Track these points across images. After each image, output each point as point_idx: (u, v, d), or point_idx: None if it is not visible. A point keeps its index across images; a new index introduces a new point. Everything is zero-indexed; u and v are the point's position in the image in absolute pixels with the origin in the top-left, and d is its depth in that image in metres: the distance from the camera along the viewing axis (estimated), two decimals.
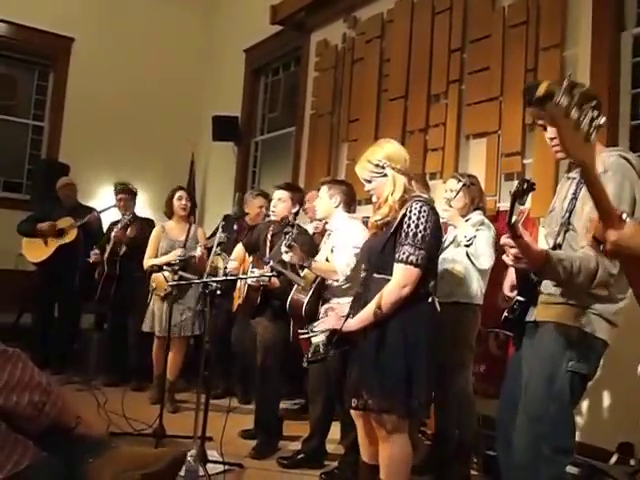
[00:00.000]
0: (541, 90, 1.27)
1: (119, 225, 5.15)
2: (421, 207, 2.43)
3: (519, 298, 2.08)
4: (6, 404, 1.60)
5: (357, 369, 2.52)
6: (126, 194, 5.42)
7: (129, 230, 5.11)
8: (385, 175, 2.53)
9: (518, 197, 1.71)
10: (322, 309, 2.82)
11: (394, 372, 2.41)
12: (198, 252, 4.42)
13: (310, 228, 4.31)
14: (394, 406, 2.42)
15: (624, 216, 1.39)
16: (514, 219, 1.71)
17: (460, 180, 3.48)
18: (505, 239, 1.79)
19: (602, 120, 1.26)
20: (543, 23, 4.03)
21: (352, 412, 2.69)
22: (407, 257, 2.38)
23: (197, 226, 4.94)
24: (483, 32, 4.45)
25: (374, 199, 2.62)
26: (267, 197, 4.68)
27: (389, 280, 2.44)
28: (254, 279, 3.73)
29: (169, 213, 4.76)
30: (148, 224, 5.17)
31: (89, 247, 5.35)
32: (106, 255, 5.19)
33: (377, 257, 2.51)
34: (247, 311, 3.97)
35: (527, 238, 1.78)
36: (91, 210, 5.63)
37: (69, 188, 5.67)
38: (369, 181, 2.58)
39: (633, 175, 1.97)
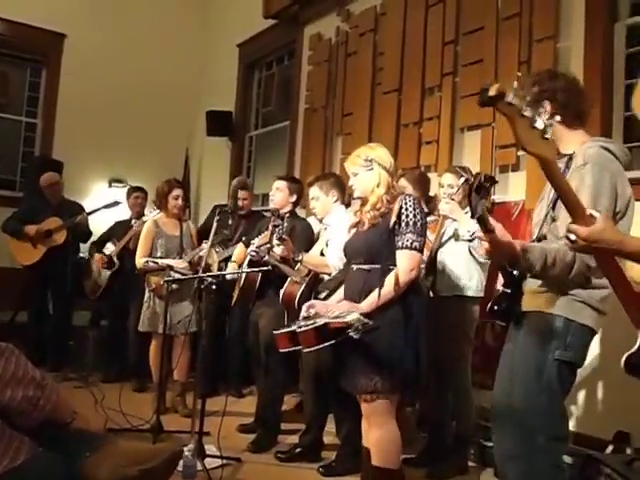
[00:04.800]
0: (492, 90, 1.30)
1: (139, 222, 4.91)
2: (414, 200, 2.66)
3: (505, 290, 2.08)
4: (0, 399, 1.60)
5: (364, 353, 2.55)
6: (142, 192, 5.50)
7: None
8: (371, 169, 2.70)
9: (474, 191, 1.70)
10: (304, 307, 2.83)
11: (405, 354, 2.53)
12: (204, 251, 4.08)
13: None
14: (403, 387, 2.57)
15: (594, 213, 1.40)
16: (479, 213, 1.71)
17: (462, 175, 3.47)
18: (477, 233, 1.80)
19: (557, 118, 1.27)
20: (536, 15, 4.03)
21: (360, 397, 2.65)
22: (411, 243, 2.56)
23: (188, 222, 4.73)
24: (476, 24, 4.44)
25: (356, 193, 2.79)
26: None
27: (388, 269, 2.56)
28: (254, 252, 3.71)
29: (161, 207, 4.51)
30: None
31: (77, 245, 5.46)
32: (117, 250, 5.19)
33: (377, 249, 2.61)
34: (247, 296, 3.94)
35: (499, 232, 1.79)
36: (78, 206, 5.66)
37: (54, 188, 5.57)
38: (355, 175, 2.75)
39: (614, 166, 1.95)
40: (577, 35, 3.82)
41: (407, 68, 4.98)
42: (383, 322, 2.50)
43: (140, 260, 4.34)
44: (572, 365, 2.04)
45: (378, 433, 2.58)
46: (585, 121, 2.13)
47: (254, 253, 3.67)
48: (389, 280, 2.53)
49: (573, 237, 1.44)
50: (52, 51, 7.23)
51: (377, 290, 2.53)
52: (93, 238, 5.68)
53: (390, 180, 2.71)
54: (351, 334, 2.38)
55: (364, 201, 2.76)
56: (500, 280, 2.30)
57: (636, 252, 1.49)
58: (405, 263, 2.55)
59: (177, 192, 4.47)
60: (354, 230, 2.84)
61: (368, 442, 2.67)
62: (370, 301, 2.54)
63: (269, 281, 3.78)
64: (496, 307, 2.10)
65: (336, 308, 2.63)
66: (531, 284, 2.06)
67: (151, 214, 4.76)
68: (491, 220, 1.76)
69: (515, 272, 2.05)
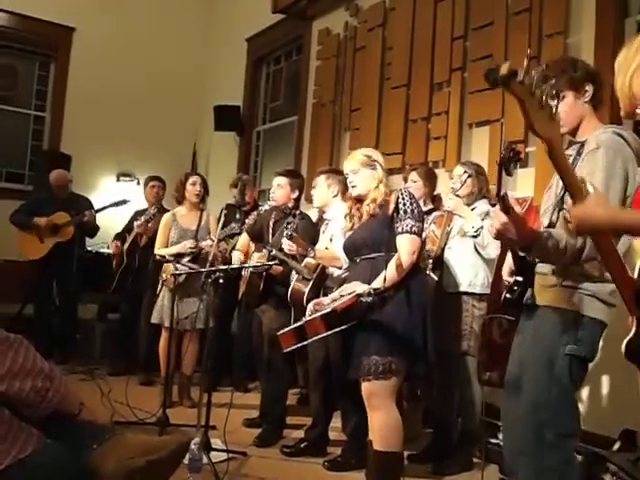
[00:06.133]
0: (504, 69, 1.28)
1: (142, 218, 4.95)
2: (410, 193, 2.84)
3: (517, 278, 2.08)
4: (9, 390, 1.60)
5: (375, 334, 2.62)
6: (159, 182, 5.42)
7: (152, 224, 4.94)
8: (375, 168, 2.87)
9: (504, 165, 1.71)
10: (309, 306, 2.89)
11: (414, 333, 2.65)
12: (208, 242, 4.21)
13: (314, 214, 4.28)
14: (413, 364, 2.66)
15: (589, 188, 1.40)
16: (503, 191, 1.72)
17: (466, 171, 3.47)
18: (497, 210, 1.79)
19: (565, 98, 1.27)
20: (546, 10, 4.01)
21: (364, 379, 2.67)
22: (411, 228, 2.72)
23: (208, 214, 4.67)
24: (486, 19, 4.42)
25: (356, 191, 2.90)
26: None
27: (391, 256, 2.69)
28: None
29: (180, 199, 4.53)
30: None
31: (82, 239, 5.50)
32: (126, 246, 5.18)
33: (381, 237, 2.75)
34: (251, 298, 3.97)
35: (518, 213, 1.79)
36: (85, 200, 5.69)
37: (61, 188, 5.56)
38: (356, 172, 2.88)
39: (627, 151, 1.96)
40: (587, 31, 3.80)
41: (416, 63, 4.97)
42: (391, 303, 2.60)
43: (157, 251, 4.39)
44: (583, 360, 2.04)
45: (379, 417, 2.65)
46: (600, 109, 2.16)
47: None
48: (392, 264, 2.66)
49: (569, 217, 1.44)
50: (61, 45, 7.26)
51: (384, 272, 2.63)
52: (107, 230, 5.66)
53: (387, 181, 2.90)
54: (363, 299, 2.47)
55: (362, 199, 2.89)
56: (504, 272, 2.30)
57: (630, 225, 1.46)
58: (407, 246, 2.70)
59: (194, 179, 4.50)
60: (350, 233, 2.95)
61: (371, 430, 2.71)
62: (379, 280, 2.64)
63: (273, 285, 3.78)
64: (509, 295, 2.10)
65: (344, 290, 2.71)
66: (541, 276, 2.06)
67: (150, 211, 4.85)
68: (511, 201, 1.78)
69: (528, 258, 2.05)
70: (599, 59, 3.69)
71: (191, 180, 4.48)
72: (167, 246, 4.39)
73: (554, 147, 1.35)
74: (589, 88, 2.09)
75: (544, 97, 1.30)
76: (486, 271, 3.40)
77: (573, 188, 1.39)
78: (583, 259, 1.87)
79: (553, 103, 1.32)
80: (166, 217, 4.51)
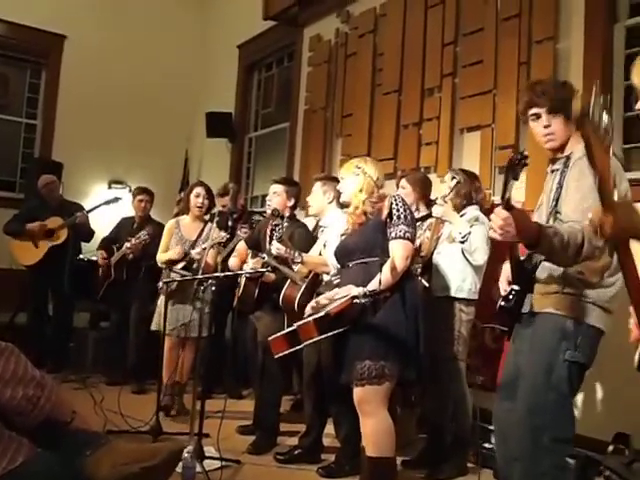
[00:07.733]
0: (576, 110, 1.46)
1: (134, 240, 4.89)
2: (402, 199, 2.88)
3: (514, 287, 2.09)
4: (0, 398, 1.59)
5: (367, 338, 2.63)
6: (147, 195, 5.37)
7: (142, 243, 4.90)
8: (358, 175, 2.90)
9: (511, 170, 1.73)
10: (309, 306, 2.90)
11: (408, 337, 2.66)
12: (197, 250, 4.20)
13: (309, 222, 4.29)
14: (407, 370, 2.67)
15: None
16: (507, 195, 1.74)
17: (454, 177, 3.49)
18: (498, 209, 1.78)
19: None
20: (536, 16, 4.03)
21: (357, 384, 2.67)
22: (404, 233, 2.74)
23: (212, 226, 4.44)
24: (476, 25, 4.44)
25: (342, 196, 3.01)
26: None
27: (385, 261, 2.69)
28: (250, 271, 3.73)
29: (185, 209, 4.54)
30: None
31: (77, 244, 5.47)
32: (114, 260, 5.15)
33: (374, 242, 2.76)
34: (245, 304, 3.96)
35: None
36: (77, 206, 5.65)
37: (50, 188, 5.56)
38: (343, 179, 2.97)
39: (612, 161, 2.00)
40: (577, 36, 3.83)
41: (407, 69, 4.98)
42: (384, 307, 2.61)
43: (160, 257, 4.39)
44: (581, 366, 2.05)
45: (372, 423, 2.65)
46: None
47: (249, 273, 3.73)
48: (386, 268, 2.67)
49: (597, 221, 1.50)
50: (52, 52, 7.23)
51: (379, 275, 2.64)
52: (102, 235, 5.61)
53: (375, 188, 2.89)
54: (359, 301, 2.50)
55: (348, 205, 2.95)
56: (502, 282, 2.29)
57: None
58: (400, 251, 2.71)
59: (198, 190, 4.45)
60: (343, 237, 2.97)
61: (364, 436, 2.70)
62: (374, 282, 2.64)
63: (267, 292, 3.77)
64: (505, 303, 2.10)
65: (338, 293, 2.72)
66: (541, 285, 2.07)
67: (143, 234, 4.81)
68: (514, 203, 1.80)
69: (527, 265, 2.05)
70: (588, 64, 3.72)
71: (194, 192, 4.45)
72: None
73: (606, 181, 1.46)
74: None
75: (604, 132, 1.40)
76: (474, 277, 3.41)
77: (605, 195, 1.47)
78: (583, 256, 1.88)
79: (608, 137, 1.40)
80: (170, 224, 4.53)
